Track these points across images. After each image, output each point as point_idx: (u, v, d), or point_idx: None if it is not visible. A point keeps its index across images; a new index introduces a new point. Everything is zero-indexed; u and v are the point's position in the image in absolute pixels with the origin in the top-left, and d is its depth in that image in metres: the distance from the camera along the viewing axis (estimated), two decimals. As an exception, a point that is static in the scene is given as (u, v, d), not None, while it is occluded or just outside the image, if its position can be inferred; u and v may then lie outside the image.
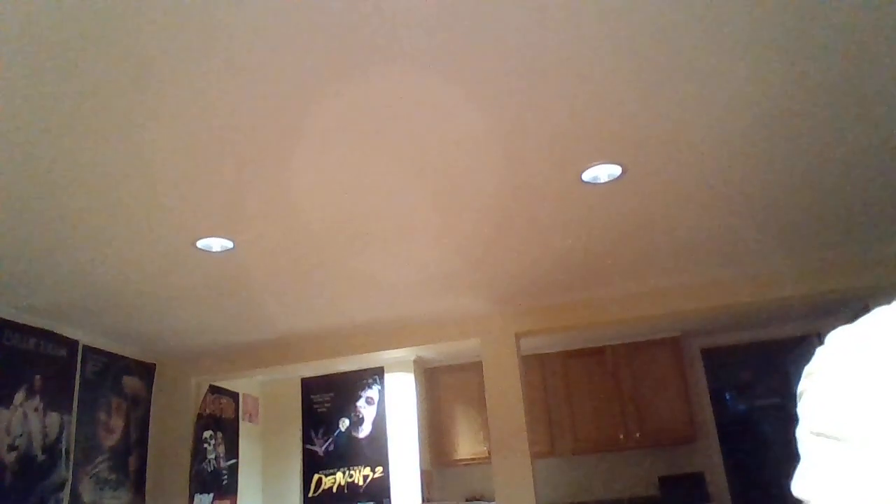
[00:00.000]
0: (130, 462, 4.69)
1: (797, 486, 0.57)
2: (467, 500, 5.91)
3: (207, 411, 5.26)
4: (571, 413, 5.86)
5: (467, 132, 2.44)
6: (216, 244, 3.19)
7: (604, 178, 2.88)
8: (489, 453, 4.89)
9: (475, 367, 5.74)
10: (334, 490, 5.72)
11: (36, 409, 3.88)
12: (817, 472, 0.55)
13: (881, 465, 0.50)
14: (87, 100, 2.05)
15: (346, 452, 5.78)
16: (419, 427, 5.68)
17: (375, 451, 5.70)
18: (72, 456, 4.12)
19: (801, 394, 0.60)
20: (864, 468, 0.51)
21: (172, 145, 2.34)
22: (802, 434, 0.58)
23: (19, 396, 3.77)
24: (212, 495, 5.17)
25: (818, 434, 0.56)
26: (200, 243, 3.16)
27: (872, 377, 0.54)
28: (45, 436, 3.92)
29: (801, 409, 0.60)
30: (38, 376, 3.92)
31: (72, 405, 4.18)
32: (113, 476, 4.48)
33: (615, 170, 2.81)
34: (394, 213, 3.06)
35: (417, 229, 3.26)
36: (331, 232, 3.20)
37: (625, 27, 1.94)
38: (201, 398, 5.19)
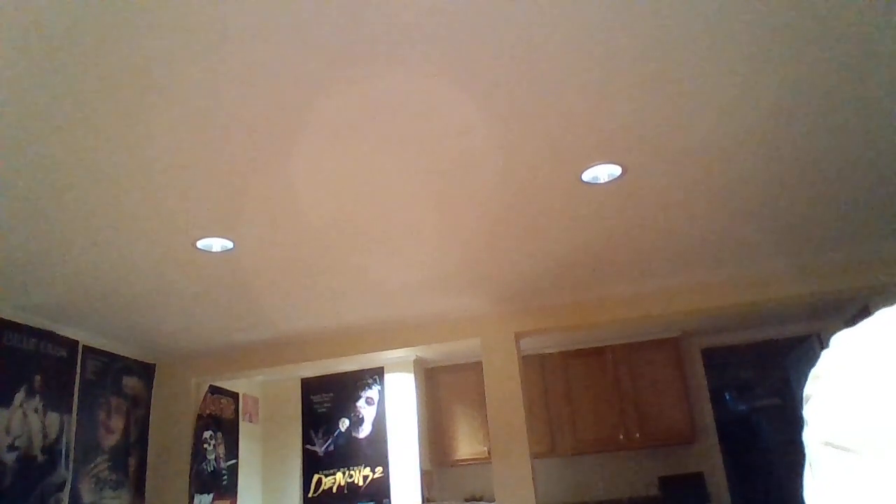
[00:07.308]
0: (130, 462, 4.69)
1: (807, 497, 0.56)
2: (467, 500, 5.91)
3: (207, 411, 5.26)
4: (571, 413, 5.86)
5: (467, 132, 2.44)
6: (216, 244, 3.19)
7: (604, 178, 2.88)
8: (489, 453, 4.89)
9: (475, 367, 5.74)
10: (334, 490, 5.72)
11: (36, 409, 3.88)
12: (827, 484, 0.54)
13: (892, 477, 0.49)
14: (89, 101, 2.05)
15: (346, 452, 5.78)
16: (419, 427, 5.68)
17: (375, 451, 5.70)
18: (72, 456, 4.11)
19: (808, 397, 0.59)
20: (875, 480, 0.50)
21: (173, 145, 2.34)
22: (810, 441, 0.57)
23: (19, 396, 3.77)
24: (212, 495, 5.17)
25: (827, 444, 0.55)
26: (200, 243, 3.16)
27: (881, 386, 0.53)
28: (45, 436, 3.92)
29: (808, 413, 0.59)
30: (38, 376, 3.92)
31: (72, 405, 4.18)
32: (113, 476, 4.48)
33: (615, 170, 2.81)
34: (394, 213, 3.06)
35: (417, 229, 3.26)
36: (331, 232, 3.20)
37: (625, 28, 1.94)
38: (201, 398, 5.19)
